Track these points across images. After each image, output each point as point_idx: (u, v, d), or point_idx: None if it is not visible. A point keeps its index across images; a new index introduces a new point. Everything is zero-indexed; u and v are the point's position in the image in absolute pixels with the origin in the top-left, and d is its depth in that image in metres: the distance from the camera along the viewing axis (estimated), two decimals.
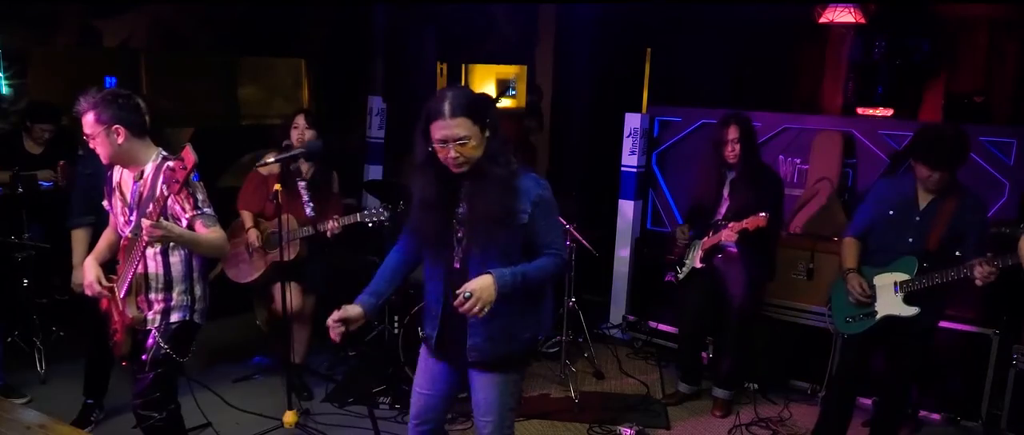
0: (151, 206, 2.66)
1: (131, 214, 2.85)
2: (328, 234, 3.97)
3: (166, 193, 2.55)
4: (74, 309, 4.50)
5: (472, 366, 2.59)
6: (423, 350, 2.70)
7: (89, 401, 3.90)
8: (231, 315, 5.00)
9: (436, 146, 2.37)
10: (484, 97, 2.51)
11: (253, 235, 4.10)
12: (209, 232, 2.78)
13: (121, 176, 2.91)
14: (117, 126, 2.73)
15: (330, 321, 2.47)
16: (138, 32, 5.45)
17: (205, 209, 2.78)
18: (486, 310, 2.32)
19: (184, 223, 2.77)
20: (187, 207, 2.75)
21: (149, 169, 2.81)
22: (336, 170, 4.33)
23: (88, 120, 2.75)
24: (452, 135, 2.33)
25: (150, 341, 2.85)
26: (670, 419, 4.25)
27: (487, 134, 2.40)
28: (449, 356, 2.59)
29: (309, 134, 4.05)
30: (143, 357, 2.85)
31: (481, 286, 2.32)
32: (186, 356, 2.93)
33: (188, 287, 2.88)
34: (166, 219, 2.74)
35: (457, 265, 2.49)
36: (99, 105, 2.73)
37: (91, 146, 2.80)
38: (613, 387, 4.68)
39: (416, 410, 2.70)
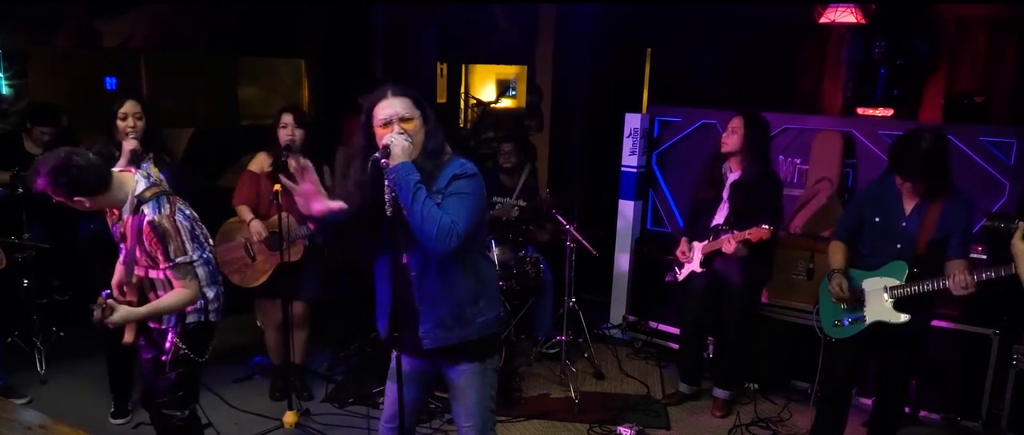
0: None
1: (118, 245, 2.88)
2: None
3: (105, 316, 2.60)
4: (76, 309, 4.51)
5: (432, 355, 2.58)
6: (394, 354, 2.69)
7: (119, 394, 3.98)
8: (231, 315, 4.97)
9: (378, 130, 2.43)
10: (422, 95, 2.54)
11: (257, 225, 4.01)
12: (178, 288, 2.76)
13: None
14: (78, 198, 2.68)
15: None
16: (138, 32, 5.44)
17: (177, 259, 2.74)
18: (392, 152, 2.34)
19: (160, 269, 2.78)
20: (160, 258, 2.74)
21: (126, 212, 2.78)
22: (327, 165, 4.27)
23: (50, 188, 2.65)
24: (396, 113, 2.41)
25: (168, 343, 2.85)
26: (670, 419, 4.25)
27: (428, 126, 2.46)
28: (407, 347, 2.58)
29: (299, 133, 3.99)
30: (163, 358, 2.86)
31: (397, 141, 2.36)
32: (205, 356, 2.95)
33: (198, 296, 2.88)
34: (149, 258, 2.75)
35: (405, 259, 2.49)
36: (51, 182, 2.61)
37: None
38: (613, 387, 4.68)
39: (387, 413, 2.76)
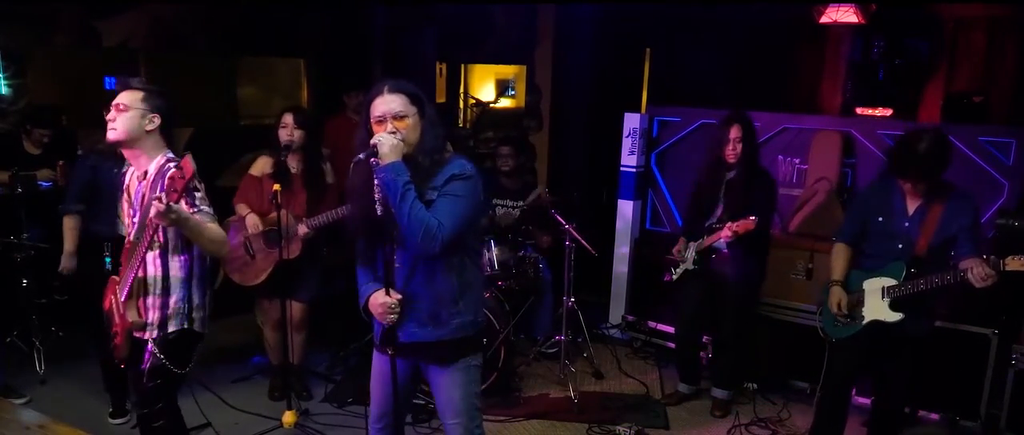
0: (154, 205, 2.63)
1: (135, 216, 2.84)
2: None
3: (165, 201, 2.50)
4: (75, 309, 4.52)
5: (410, 351, 2.59)
6: (375, 354, 2.71)
7: (116, 393, 3.98)
8: (231, 315, 5.01)
9: (373, 127, 2.44)
10: (421, 92, 2.54)
11: (253, 218, 4.03)
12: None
13: (131, 179, 2.89)
14: (155, 115, 2.76)
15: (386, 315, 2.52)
16: (137, 32, 5.45)
17: (202, 207, 2.76)
18: (380, 151, 2.36)
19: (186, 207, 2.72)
20: (184, 205, 2.71)
21: (152, 170, 2.80)
22: (328, 161, 4.30)
23: (135, 96, 2.74)
24: (389, 110, 2.42)
25: (148, 352, 2.81)
26: (669, 419, 4.25)
27: (424, 122, 2.46)
28: (392, 344, 2.57)
29: (298, 134, 4.01)
30: (142, 367, 2.82)
31: (385, 140, 2.37)
32: (186, 367, 2.86)
33: (186, 294, 2.82)
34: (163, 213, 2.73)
35: (394, 255, 2.50)
36: (152, 92, 2.79)
37: (110, 117, 2.73)
38: (612, 387, 4.68)
39: (374, 412, 2.75)
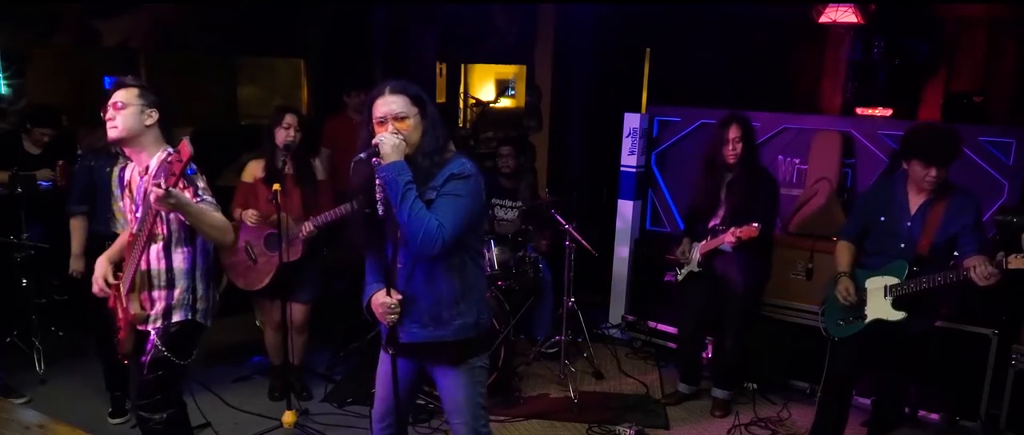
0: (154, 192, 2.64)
1: (138, 211, 2.85)
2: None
3: (164, 186, 2.50)
4: (74, 309, 4.52)
5: (413, 352, 2.60)
6: (381, 353, 2.71)
7: (117, 393, 3.98)
8: (231, 315, 4.98)
9: (375, 128, 2.44)
10: (423, 92, 2.55)
11: (250, 212, 3.98)
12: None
13: (132, 175, 2.90)
14: (152, 110, 2.77)
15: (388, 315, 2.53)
16: (137, 32, 5.45)
17: (206, 197, 2.75)
18: (382, 150, 2.36)
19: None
20: (188, 195, 2.71)
21: (153, 164, 2.80)
22: (317, 157, 4.27)
23: (131, 93, 2.75)
24: (390, 112, 2.41)
25: (149, 343, 2.82)
26: (669, 419, 4.25)
27: (425, 123, 2.46)
28: (395, 345, 2.58)
29: (298, 136, 3.99)
30: (143, 359, 2.82)
31: (387, 140, 2.37)
32: (187, 359, 2.86)
33: (190, 285, 2.84)
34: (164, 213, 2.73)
35: (390, 254, 2.50)
36: (147, 88, 2.80)
37: (110, 116, 2.74)
38: (612, 387, 4.68)
39: (377, 412, 2.76)
